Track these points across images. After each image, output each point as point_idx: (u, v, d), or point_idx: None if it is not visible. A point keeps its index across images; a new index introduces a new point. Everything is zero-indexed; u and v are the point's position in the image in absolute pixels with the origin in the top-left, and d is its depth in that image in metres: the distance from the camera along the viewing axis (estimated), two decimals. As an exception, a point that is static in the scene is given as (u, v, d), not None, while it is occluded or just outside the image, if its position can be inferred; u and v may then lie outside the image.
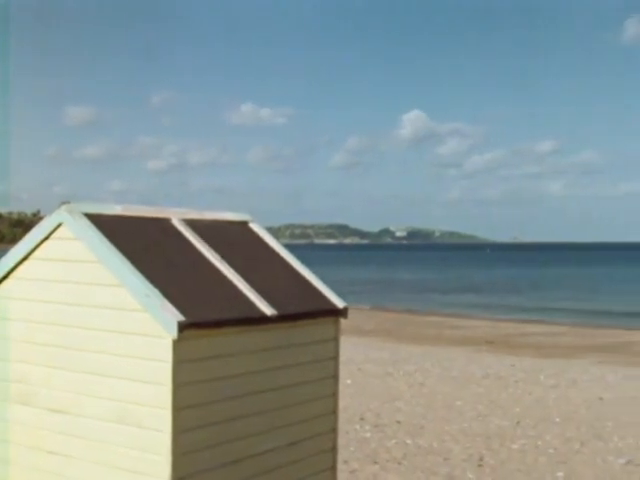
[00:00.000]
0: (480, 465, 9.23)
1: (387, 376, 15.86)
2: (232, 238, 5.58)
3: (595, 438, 10.71)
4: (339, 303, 5.49)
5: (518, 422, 11.59)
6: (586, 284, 67.03)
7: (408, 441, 10.25)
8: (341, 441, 9.54)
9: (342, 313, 5.50)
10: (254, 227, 5.89)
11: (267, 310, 4.86)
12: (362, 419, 11.46)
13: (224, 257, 5.14)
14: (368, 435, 10.51)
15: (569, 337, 26.46)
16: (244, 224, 5.87)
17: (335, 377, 5.55)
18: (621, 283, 67.96)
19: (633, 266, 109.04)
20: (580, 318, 34.64)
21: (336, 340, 5.53)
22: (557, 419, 11.87)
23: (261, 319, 4.82)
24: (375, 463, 9.14)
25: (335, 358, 5.53)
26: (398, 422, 11.37)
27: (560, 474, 8.92)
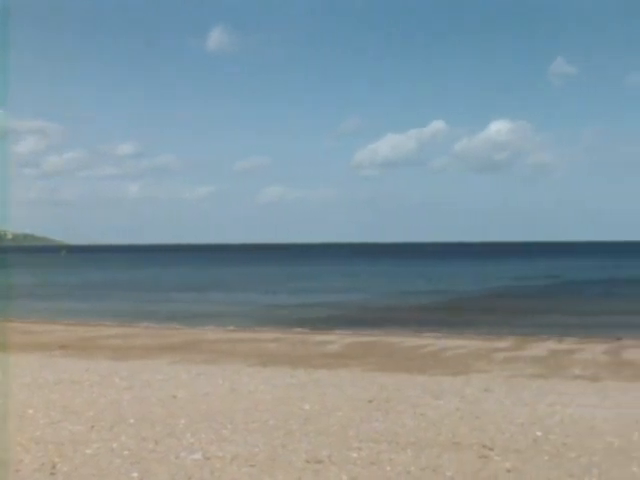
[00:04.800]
0: (52, 473, 8.98)
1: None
2: None
3: (169, 436, 10.89)
4: None
5: (92, 426, 11.44)
6: (164, 287, 68.57)
7: (-26, 455, 9.66)
8: None
9: None
10: None
11: None
12: None
13: None
14: None
15: (143, 338, 26.73)
16: None
17: None
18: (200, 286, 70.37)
19: (216, 266, 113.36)
20: (153, 321, 35.30)
21: None
22: (132, 420, 11.90)
23: None
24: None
25: None
26: (-37, 435, 10.68)
27: (135, 474, 8.94)
